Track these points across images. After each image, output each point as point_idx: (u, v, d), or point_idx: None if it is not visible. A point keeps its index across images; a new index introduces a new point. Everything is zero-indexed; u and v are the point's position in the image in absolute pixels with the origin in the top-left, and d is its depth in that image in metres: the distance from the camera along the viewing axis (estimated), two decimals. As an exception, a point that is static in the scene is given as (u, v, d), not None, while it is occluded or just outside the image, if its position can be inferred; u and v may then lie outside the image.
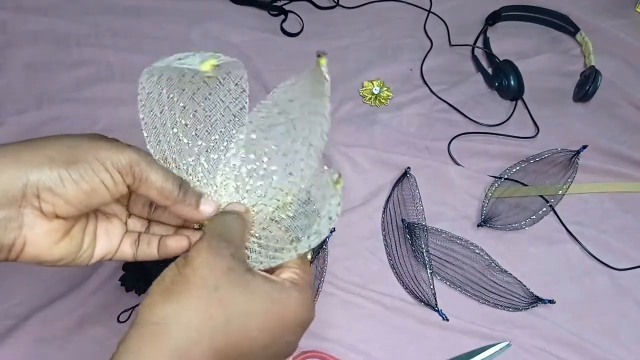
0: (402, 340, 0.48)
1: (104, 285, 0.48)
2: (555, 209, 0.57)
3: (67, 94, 0.63)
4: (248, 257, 0.30)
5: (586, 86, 0.64)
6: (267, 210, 0.32)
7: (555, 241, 0.55)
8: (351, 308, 0.49)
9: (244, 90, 0.32)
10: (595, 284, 0.52)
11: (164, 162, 0.31)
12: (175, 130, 0.31)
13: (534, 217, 0.56)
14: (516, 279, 0.51)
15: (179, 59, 0.29)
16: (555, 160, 0.60)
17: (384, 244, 0.54)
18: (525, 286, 0.51)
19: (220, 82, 0.31)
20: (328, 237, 0.52)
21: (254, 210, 0.32)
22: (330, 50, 0.77)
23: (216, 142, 0.32)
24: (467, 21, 0.75)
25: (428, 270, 0.51)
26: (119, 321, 0.47)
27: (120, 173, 0.27)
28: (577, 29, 0.73)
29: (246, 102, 0.32)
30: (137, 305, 0.47)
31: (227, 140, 0.33)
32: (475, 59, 0.70)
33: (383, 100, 0.65)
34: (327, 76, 0.28)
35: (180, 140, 0.31)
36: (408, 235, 0.53)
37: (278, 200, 0.32)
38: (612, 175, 0.60)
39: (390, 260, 0.53)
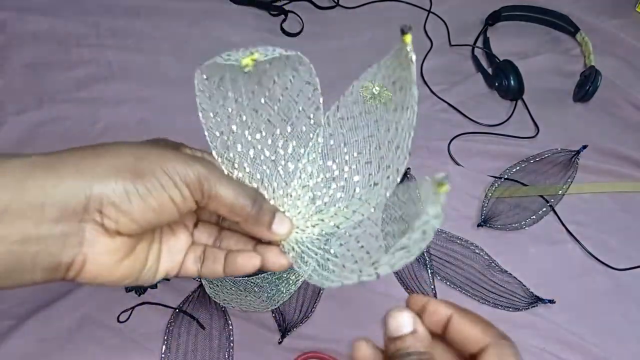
0: (402, 340, 0.48)
1: (104, 286, 0.48)
2: (555, 209, 0.57)
3: (67, 94, 0.63)
4: (316, 273, 0.26)
5: (586, 86, 0.64)
6: (348, 224, 0.27)
7: (555, 241, 0.55)
8: (351, 309, 0.49)
9: (316, 89, 0.27)
10: (595, 284, 0.52)
11: (233, 170, 0.28)
12: (248, 136, 0.28)
13: (534, 217, 0.56)
14: (516, 279, 0.51)
15: (228, 56, 0.26)
16: (555, 160, 0.60)
17: (384, 244, 0.54)
18: (525, 286, 0.51)
19: (290, 81, 0.28)
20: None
21: (336, 226, 0.28)
22: (330, 51, 0.78)
23: (294, 149, 0.28)
24: (467, 21, 0.75)
25: (429, 271, 0.51)
26: (119, 321, 0.47)
27: (189, 188, 0.25)
28: (577, 29, 0.73)
29: (320, 102, 0.28)
30: (137, 305, 0.47)
31: (304, 147, 0.28)
32: (475, 59, 0.70)
33: (383, 101, 0.65)
34: (413, 58, 0.23)
35: (254, 147, 0.28)
36: (408, 235, 0.53)
37: (362, 214, 0.27)
38: (612, 175, 0.60)
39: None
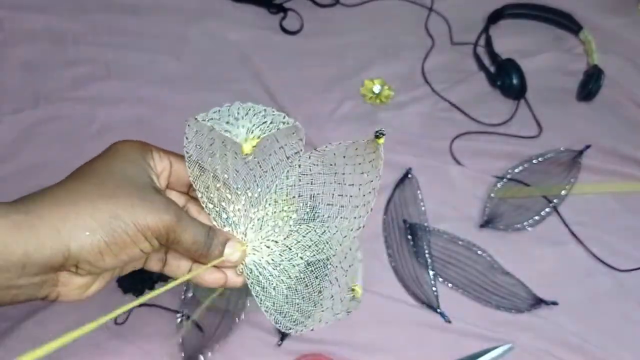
0: (404, 342, 0.47)
1: (101, 287, 0.47)
2: (559, 209, 0.56)
3: (63, 92, 0.62)
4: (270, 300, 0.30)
5: (589, 85, 0.64)
6: (299, 260, 0.31)
7: (558, 242, 0.54)
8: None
9: (301, 139, 0.31)
10: (598, 285, 0.52)
11: (206, 181, 0.30)
12: (226, 176, 0.31)
13: (537, 217, 0.55)
14: (519, 280, 0.51)
15: (227, 123, 0.28)
16: (559, 160, 0.59)
17: (385, 246, 0.53)
18: (527, 287, 0.50)
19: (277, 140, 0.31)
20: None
21: (288, 247, 0.31)
22: (330, 49, 0.77)
23: (271, 180, 0.32)
24: (469, 19, 0.74)
25: (430, 272, 0.51)
26: (116, 323, 0.46)
27: (158, 240, 0.28)
28: (580, 27, 0.72)
29: (301, 148, 0.31)
30: (134, 307, 0.47)
31: (277, 179, 0.32)
32: (477, 57, 0.70)
33: (384, 99, 0.65)
34: (381, 155, 0.29)
35: (228, 180, 0.31)
36: (409, 237, 0.53)
37: (318, 252, 0.31)
38: (615, 175, 0.59)
39: (392, 262, 0.52)
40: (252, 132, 0.28)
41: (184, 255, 0.30)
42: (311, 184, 0.31)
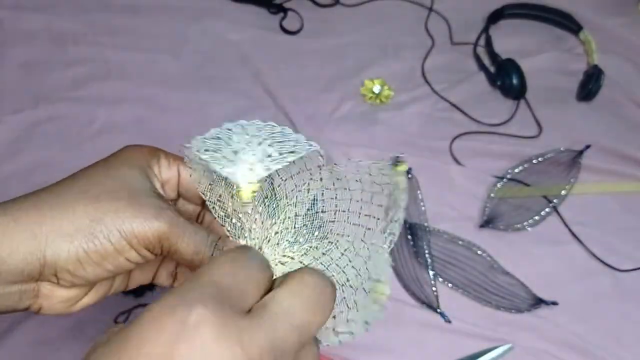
0: (404, 342, 0.47)
1: (101, 287, 0.47)
2: (559, 209, 0.56)
3: (63, 92, 0.62)
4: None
5: (589, 85, 0.64)
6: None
7: (558, 242, 0.54)
8: (352, 310, 0.49)
9: (321, 155, 0.27)
10: (598, 285, 0.52)
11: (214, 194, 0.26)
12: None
13: (536, 217, 0.55)
14: (518, 280, 0.51)
15: (222, 167, 0.24)
16: (558, 160, 0.59)
17: (385, 245, 0.53)
18: (527, 287, 0.50)
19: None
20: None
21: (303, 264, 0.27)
22: (330, 49, 0.77)
23: (290, 193, 0.28)
24: (469, 19, 0.74)
25: (430, 272, 0.51)
26: (116, 323, 0.46)
27: (148, 248, 0.25)
28: (580, 27, 0.72)
29: (323, 163, 0.27)
30: (134, 307, 0.47)
31: (297, 193, 0.28)
32: (477, 57, 0.70)
33: (384, 99, 0.65)
34: (404, 182, 0.25)
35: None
36: (409, 237, 0.53)
37: (337, 273, 0.27)
38: (615, 175, 0.59)
39: (392, 262, 0.52)
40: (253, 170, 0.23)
41: (187, 267, 0.26)
42: (335, 198, 0.27)
